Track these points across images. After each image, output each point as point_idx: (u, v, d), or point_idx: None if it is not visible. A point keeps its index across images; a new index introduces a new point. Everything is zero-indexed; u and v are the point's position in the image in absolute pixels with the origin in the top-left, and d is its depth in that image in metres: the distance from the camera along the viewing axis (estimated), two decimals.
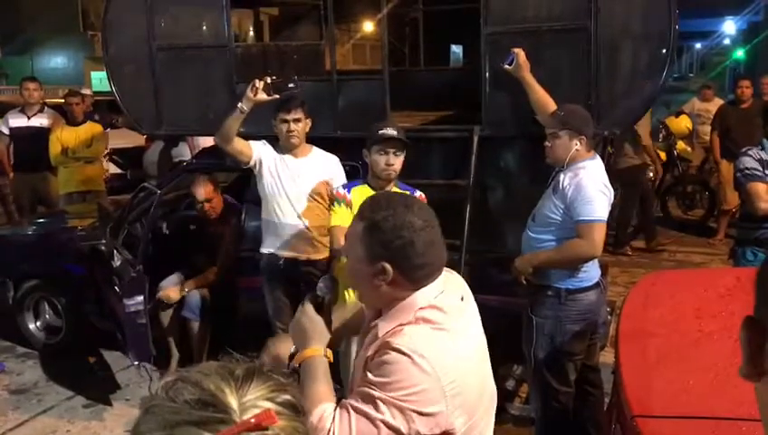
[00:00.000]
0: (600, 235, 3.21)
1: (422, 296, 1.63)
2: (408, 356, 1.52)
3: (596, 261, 3.41)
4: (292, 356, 1.80)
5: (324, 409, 1.60)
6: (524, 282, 3.44)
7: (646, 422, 2.23)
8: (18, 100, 8.06)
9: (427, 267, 1.64)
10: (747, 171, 3.95)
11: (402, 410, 1.51)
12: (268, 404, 0.82)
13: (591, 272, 3.39)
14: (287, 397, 0.84)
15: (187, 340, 4.81)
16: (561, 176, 3.31)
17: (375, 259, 1.61)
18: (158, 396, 0.83)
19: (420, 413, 1.52)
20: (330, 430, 1.55)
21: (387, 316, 1.65)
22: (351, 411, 1.55)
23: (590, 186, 3.21)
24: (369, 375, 1.56)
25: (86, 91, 9.26)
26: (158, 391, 0.84)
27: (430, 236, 1.63)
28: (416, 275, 1.63)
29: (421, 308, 1.62)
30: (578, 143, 3.29)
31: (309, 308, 1.78)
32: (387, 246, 1.60)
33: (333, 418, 1.57)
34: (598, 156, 3.43)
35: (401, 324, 1.61)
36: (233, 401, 0.81)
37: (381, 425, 1.52)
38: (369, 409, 1.53)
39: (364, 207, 1.70)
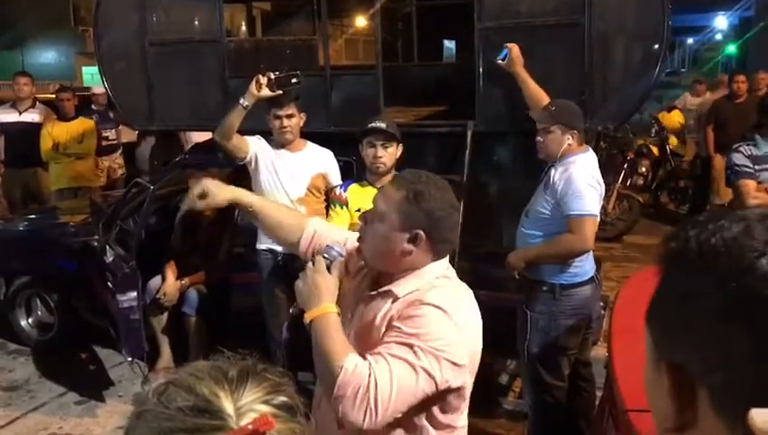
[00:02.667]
0: (590, 229, 3.22)
1: (438, 266, 1.79)
2: (443, 310, 1.66)
3: (590, 256, 3.42)
4: (299, 313, 1.80)
5: (354, 359, 1.62)
6: (518, 277, 3.45)
7: (639, 416, 2.24)
8: (9, 95, 8.01)
9: (449, 243, 1.83)
10: (737, 168, 3.94)
11: (438, 358, 1.61)
12: (264, 408, 0.79)
13: (585, 266, 3.39)
14: (283, 398, 0.82)
15: (182, 336, 4.80)
16: (552, 171, 3.31)
17: (412, 226, 1.74)
18: (150, 401, 0.80)
19: (452, 363, 1.64)
20: (370, 374, 1.58)
21: (403, 281, 1.77)
22: (389, 358, 1.60)
23: (580, 180, 3.21)
24: (403, 328, 1.64)
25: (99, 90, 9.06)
26: (149, 395, 0.81)
27: (456, 217, 1.84)
28: (440, 248, 1.79)
29: (437, 277, 1.77)
30: (570, 138, 3.30)
31: (321, 265, 1.79)
32: (429, 215, 1.74)
33: (370, 365, 1.60)
34: (590, 149, 3.44)
35: (418, 290, 1.73)
36: (228, 406, 0.78)
37: (421, 371, 1.60)
38: (408, 355, 1.60)
39: (403, 179, 1.84)
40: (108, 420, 4.37)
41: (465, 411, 1.82)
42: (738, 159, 3.95)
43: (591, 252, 3.48)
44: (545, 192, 3.33)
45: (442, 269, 1.80)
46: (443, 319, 1.65)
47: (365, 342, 1.74)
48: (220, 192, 2.15)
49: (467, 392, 1.75)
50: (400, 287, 1.76)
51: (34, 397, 4.69)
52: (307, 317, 1.74)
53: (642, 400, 2.30)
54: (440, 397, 1.68)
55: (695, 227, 0.65)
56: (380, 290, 1.79)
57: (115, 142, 8.03)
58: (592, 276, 3.45)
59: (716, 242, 0.62)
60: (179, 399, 0.78)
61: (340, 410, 1.59)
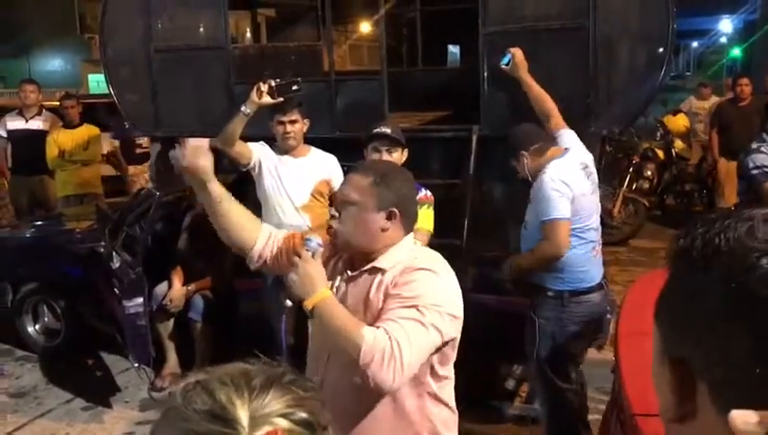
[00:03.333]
0: (560, 232, 3.21)
1: (410, 239, 2.03)
2: (433, 271, 1.89)
3: (597, 261, 3.42)
4: (298, 305, 1.92)
5: (372, 331, 1.77)
6: (517, 284, 3.48)
7: (646, 421, 2.23)
8: (16, 102, 8.05)
9: (414, 218, 2.06)
10: (765, 169, 3.87)
11: (440, 313, 1.82)
12: (282, 421, 0.78)
13: (591, 272, 3.38)
14: (303, 414, 0.80)
15: (188, 342, 4.81)
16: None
17: (387, 205, 1.94)
18: (177, 398, 0.81)
19: (451, 316, 1.85)
20: (390, 338, 1.73)
21: (384, 256, 1.96)
22: (400, 321, 1.77)
23: (546, 186, 3.24)
24: (402, 293, 1.83)
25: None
26: (177, 393, 0.82)
27: (415, 196, 2.11)
28: (408, 222, 2.02)
29: (411, 249, 2.01)
30: (525, 159, 3.37)
31: (308, 256, 1.91)
32: (398, 193, 1.97)
33: (386, 332, 1.75)
34: (569, 152, 3.40)
35: (402, 260, 1.93)
36: (243, 415, 0.77)
37: (430, 326, 1.79)
38: (415, 315, 1.79)
39: (364, 167, 2.07)
40: (114, 426, 4.37)
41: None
42: (761, 159, 3.89)
43: (599, 257, 3.47)
44: (530, 205, 3.40)
45: (412, 242, 2.03)
46: (434, 279, 1.87)
47: (360, 317, 1.88)
48: (204, 168, 2.16)
49: (457, 344, 1.97)
50: (384, 262, 1.94)
51: (41, 403, 4.70)
52: (308, 305, 1.85)
53: (649, 404, 2.29)
54: (440, 348, 1.89)
55: (703, 225, 0.67)
56: (364, 268, 1.97)
57: (148, 150, 8.08)
58: (600, 283, 3.44)
59: (720, 241, 0.64)
60: (199, 401, 0.78)
61: (369, 375, 1.74)
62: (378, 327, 1.78)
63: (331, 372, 1.96)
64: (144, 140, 7.96)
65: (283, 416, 0.78)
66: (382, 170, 2.04)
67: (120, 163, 8.26)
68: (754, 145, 4.01)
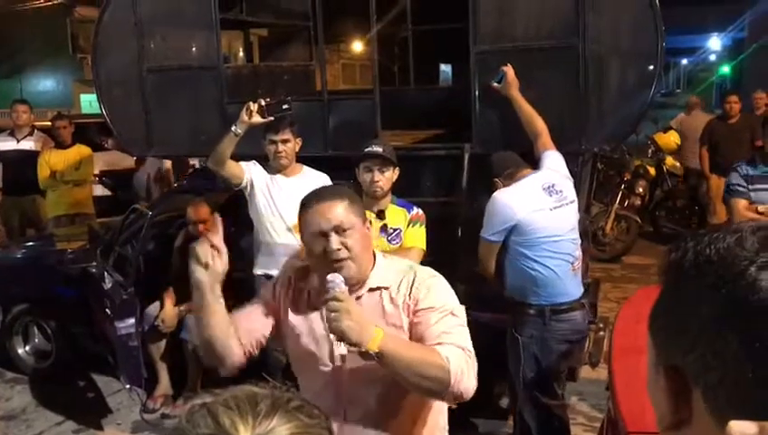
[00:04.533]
0: (481, 249, 3.47)
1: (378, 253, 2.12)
2: (437, 276, 2.03)
3: (574, 276, 3.43)
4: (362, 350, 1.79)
5: (443, 348, 1.81)
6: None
7: None
8: (7, 123, 8.03)
9: None
10: (732, 187, 4.05)
11: (462, 311, 1.95)
12: None
13: (568, 287, 3.39)
14: None
15: (180, 363, 4.77)
16: None
17: (364, 219, 2.03)
18: (183, 418, 0.81)
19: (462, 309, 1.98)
20: (463, 349, 1.84)
21: (377, 274, 2.01)
22: (452, 331, 1.88)
23: (489, 205, 3.42)
24: (435, 305, 1.92)
25: None
26: (184, 414, 0.82)
27: None
28: None
29: (392, 260, 2.12)
30: (498, 183, 3.51)
31: (344, 296, 1.79)
32: (361, 207, 2.07)
33: (455, 345, 1.84)
34: (534, 173, 3.47)
35: (391, 276, 2.01)
36: None
37: (466, 324, 1.93)
38: (457, 321, 1.91)
39: (325, 195, 2.02)
40: None
41: None
42: (734, 178, 4.05)
43: (577, 274, 3.48)
44: None
45: (380, 255, 2.12)
46: (443, 282, 2.01)
47: (387, 320, 1.96)
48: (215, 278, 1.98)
49: None
50: (381, 280, 2.00)
51: (31, 426, 4.64)
52: (373, 347, 1.73)
53: (643, 421, 2.28)
54: None
55: (693, 239, 0.70)
56: (360, 291, 1.98)
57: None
58: (582, 301, 3.44)
59: (710, 251, 0.67)
60: (203, 424, 0.78)
61: (460, 389, 1.79)
62: (440, 343, 1.83)
63: (355, 400, 1.96)
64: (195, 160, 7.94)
65: None
66: (340, 191, 2.12)
67: (171, 183, 8.22)
68: (734, 164, 4.18)
